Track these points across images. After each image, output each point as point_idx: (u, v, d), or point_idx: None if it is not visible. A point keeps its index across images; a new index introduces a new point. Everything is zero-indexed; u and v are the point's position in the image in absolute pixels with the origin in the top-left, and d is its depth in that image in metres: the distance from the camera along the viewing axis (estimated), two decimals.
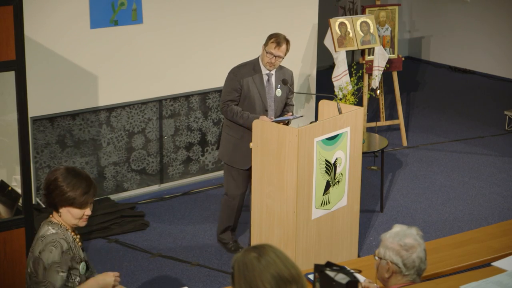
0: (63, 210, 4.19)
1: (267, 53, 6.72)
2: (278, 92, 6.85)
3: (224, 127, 6.97)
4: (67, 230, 4.23)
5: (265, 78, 6.82)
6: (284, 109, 6.95)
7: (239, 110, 6.75)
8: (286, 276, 3.12)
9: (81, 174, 4.23)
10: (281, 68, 6.89)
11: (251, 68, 6.82)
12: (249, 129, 6.40)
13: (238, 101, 6.80)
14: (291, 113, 6.93)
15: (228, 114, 6.78)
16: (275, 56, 6.70)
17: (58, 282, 4.09)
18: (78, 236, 4.32)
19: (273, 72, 6.83)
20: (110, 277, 4.30)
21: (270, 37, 6.78)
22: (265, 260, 3.14)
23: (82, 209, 4.20)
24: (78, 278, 4.21)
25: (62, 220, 4.23)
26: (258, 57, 6.88)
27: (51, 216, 4.27)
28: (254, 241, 6.32)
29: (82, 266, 4.25)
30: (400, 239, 4.22)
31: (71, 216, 4.21)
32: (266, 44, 6.76)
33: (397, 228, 4.32)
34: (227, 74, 7.17)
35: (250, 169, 6.61)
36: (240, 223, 7.63)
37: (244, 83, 6.77)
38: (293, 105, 7.06)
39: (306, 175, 6.02)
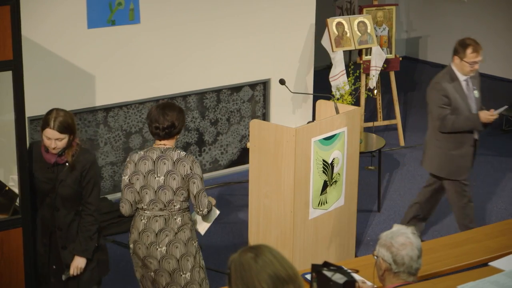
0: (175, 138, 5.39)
1: (467, 63, 6.74)
2: (476, 94, 6.91)
3: (434, 142, 6.96)
4: None
5: (464, 84, 6.84)
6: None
7: (454, 116, 6.76)
8: (283, 276, 3.12)
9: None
10: None
11: (448, 78, 6.82)
12: (475, 128, 6.68)
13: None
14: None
15: (448, 126, 6.78)
16: (476, 62, 6.75)
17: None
18: None
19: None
20: None
21: (465, 47, 6.77)
22: (262, 260, 3.14)
23: None
24: None
25: (172, 143, 5.37)
26: (450, 66, 6.88)
27: (161, 144, 5.35)
28: (252, 241, 6.32)
29: None
30: (392, 237, 4.27)
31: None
32: (463, 56, 6.75)
33: (395, 227, 4.36)
34: (224, 73, 7.22)
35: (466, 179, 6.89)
36: (237, 223, 7.64)
37: (449, 95, 6.76)
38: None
39: (303, 175, 6.02)
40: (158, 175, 5.29)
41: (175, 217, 5.32)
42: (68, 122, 5.23)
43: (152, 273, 5.40)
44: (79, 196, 5.35)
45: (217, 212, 5.59)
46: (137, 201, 5.39)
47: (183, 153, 5.31)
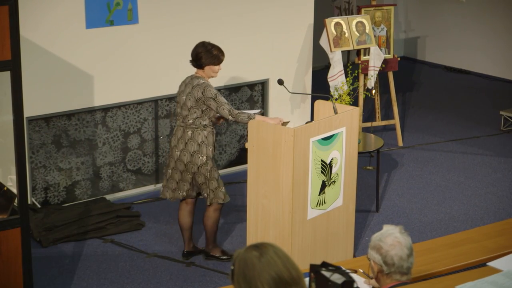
0: (206, 68, 6.67)
1: None
2: None
3: None
4: (206, 80, 6.69)
5: None
6: None
7: None
8: (285, 277, 3.11)
9: (211, 44, 6.77)
10: None
11: None
12: None
13: None
14: None
15: None
16: None
17: (225, 100, 6.62)
18: None
19: None
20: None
21: None
22: (265, 259, 3.13)
23: (218, 65, 6.70)
24: None
25: (204, 74, 6.71)
26: None
27: (196, 73, 6.73)
28: (250, 241, 6.32)
29: None
30: (381, 239, 4.28)
31: (211, 71, 6.70)
32: None
33: (384, 228, 4.37)
34: (222, 73, 7.20)
35: None
36: (235, 223, 7.63)
37: None
38: None
39: (301, 175, 6.02)
40: (183, 95, 6.68)
41: (187, 130, 6.66)
42: None
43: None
44: None
45: (252, 112, 6.60)
46: None
47: (201, 81, 6.63)
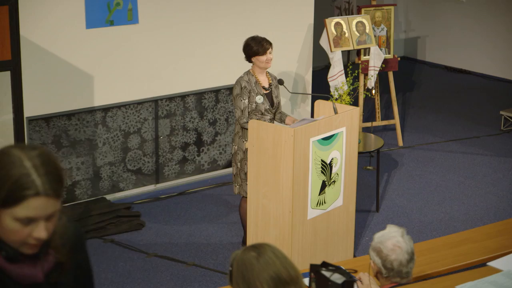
0: (253, 59, 6.68)
1: None
2: None
3: None
4: (252, 75, 6.72)
5: None
6: None
7: None
8: (284, 277, 3.12)
9: (257, 36, 6.74)
10: None
11: None
12: None
13: None
14: None
15: None
16: None
17: (242, 106, 6.59)
18: (268, 78, 6.81)
19: None
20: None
21: None
22: (263, 259, 3.13)
23: (263, 54, 6.64)
24: (254, 104, 6.63)
25: (255, 68, 6.70)
26: None
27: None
28: (250, 241, 6.32)
29: (258, 98, 6.65)
30: (381, 242, 4.25)
31: (259, 61, 6.67)
32: None
33: (387, 229, 4.34)
34: (222, 73, 7.22)
35: None
36: (235, 223, 7.64)
37: None
38: None
39: (302, 175, 6.02)
40: None
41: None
42: None
43: None
44: None
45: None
46: None
47: (241, 75, 6.70)
